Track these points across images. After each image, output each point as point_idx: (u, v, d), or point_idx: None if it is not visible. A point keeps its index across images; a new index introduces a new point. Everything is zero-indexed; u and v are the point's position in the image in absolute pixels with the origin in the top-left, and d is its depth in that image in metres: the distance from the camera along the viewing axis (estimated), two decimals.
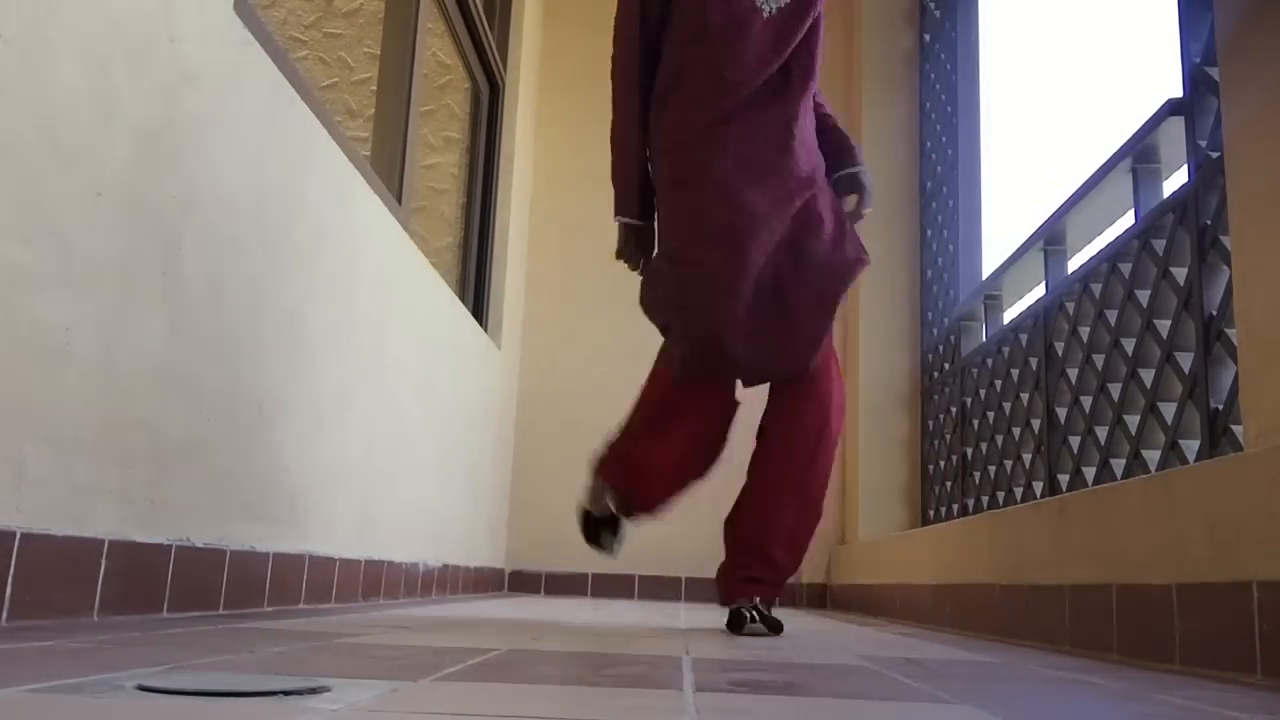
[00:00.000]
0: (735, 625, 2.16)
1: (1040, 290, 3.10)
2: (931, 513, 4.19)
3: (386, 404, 2.95)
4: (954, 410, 3.86)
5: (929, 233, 4.49)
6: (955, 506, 3.78)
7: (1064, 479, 2.67)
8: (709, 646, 1.61)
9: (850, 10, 5.12)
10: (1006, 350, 3.25)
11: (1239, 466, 1.50)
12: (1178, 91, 2.16)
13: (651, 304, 2.29)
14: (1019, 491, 3.05)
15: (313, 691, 0.83)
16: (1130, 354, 2.33)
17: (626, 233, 2.32)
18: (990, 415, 3.40)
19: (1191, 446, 2.04)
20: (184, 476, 1.82)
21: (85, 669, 0.93)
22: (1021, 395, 3.07)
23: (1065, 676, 1.36)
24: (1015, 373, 3.15)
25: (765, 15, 2.22)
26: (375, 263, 2.83)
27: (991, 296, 3.63)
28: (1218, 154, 1.97)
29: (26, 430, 1.41)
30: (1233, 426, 1.87)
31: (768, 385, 2.32)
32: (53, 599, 1.45)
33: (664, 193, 2.26)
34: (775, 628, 2.14)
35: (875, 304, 4.63)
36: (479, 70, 4.50)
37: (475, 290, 4.52)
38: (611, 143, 2.32)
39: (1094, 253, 2.59)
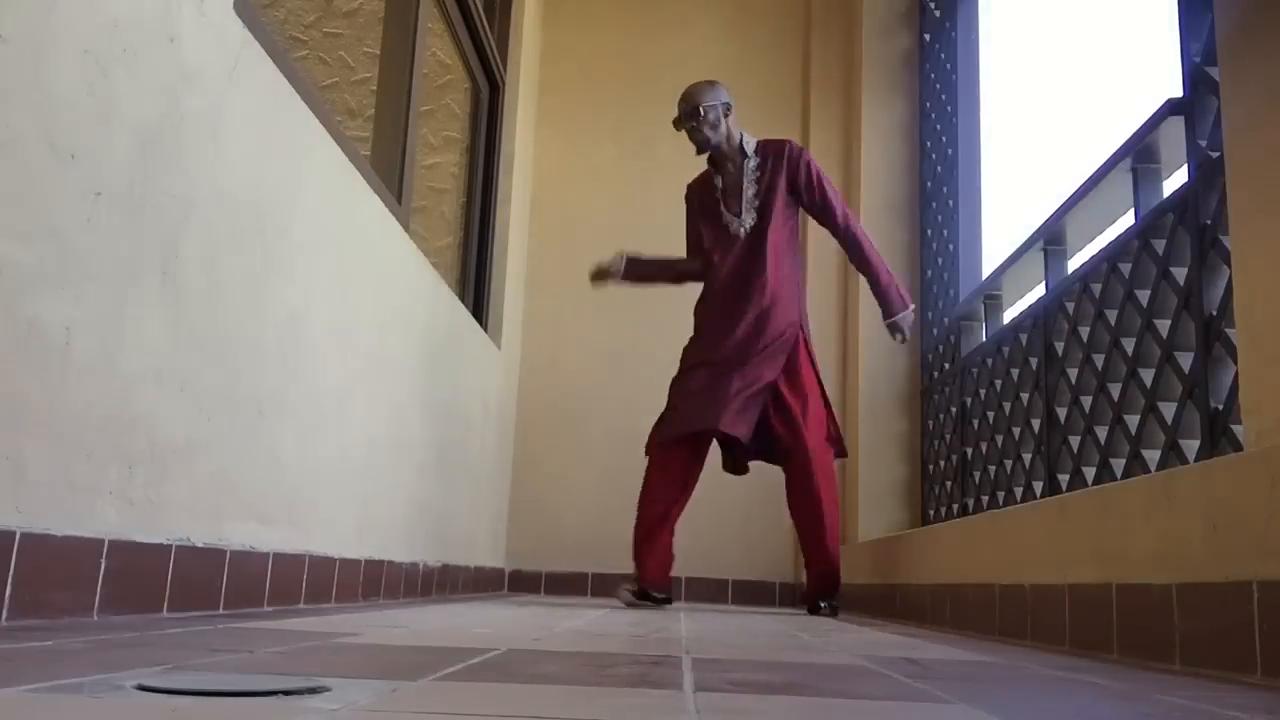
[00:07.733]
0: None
1: (1040, 290, 3.10)
2: (931, 513, 4.19)
3: (386, 404, 2.95)
4: (954, 410, 3.86)
5: (929, 232, 4.48)
6: (955, 506, 3.78)
7: (1064, 479, 2.67)
8: (709, 646, 1.61)
9: (850, 10, 5.12)
10: (1006, 350, 3.25)
11: (1239, 466, 1.50)
12: (1178, 91, 2.16)
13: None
14: (1019, 491, 3.05)
15: (313, 691, 0.83)
16: (1130, 354, 2.33)
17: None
18: (990, 415, 3.40)
19: (1191, 446, 2.04)
20: (184, 476, 1.82)
21: (85, 669, 0.93)
22: (1021, 395, 3.07)
23: (1065, 676, 1.36)
24: (1015, 373, 3.15)
25: (741, 235, 3.43)
26: (375, 263, 2.83)
27: (991, 296, 3.62)
28: (1218, 154, 1.97)
29: (26, 430, 1.41)
30: (1233, 426, 1.87)
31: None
32: (53, 599, 1.45)
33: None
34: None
35: (876, 303, 4.61)
36: (479, 70, 4.50)
37: (475, 290, 4.52)
38: None
39: (1094, 253, 2.59)
